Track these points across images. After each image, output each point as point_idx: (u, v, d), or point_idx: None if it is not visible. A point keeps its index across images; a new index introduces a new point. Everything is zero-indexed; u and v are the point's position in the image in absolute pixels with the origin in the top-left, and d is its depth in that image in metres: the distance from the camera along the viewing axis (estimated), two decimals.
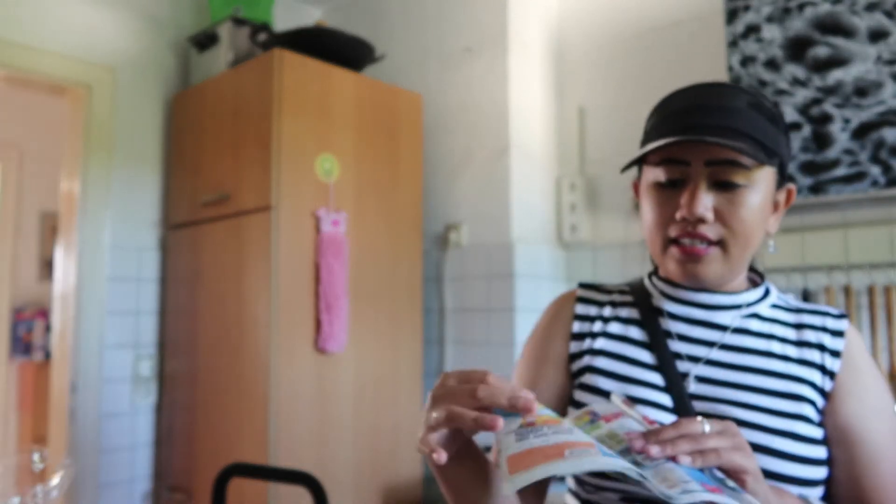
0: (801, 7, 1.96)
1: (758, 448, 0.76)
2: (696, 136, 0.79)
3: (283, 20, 2.82)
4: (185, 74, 2.65)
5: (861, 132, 1.85)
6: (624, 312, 0.92)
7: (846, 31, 1.89)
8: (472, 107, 2.43)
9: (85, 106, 2.41)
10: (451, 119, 2.50)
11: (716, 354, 0.85)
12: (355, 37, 2.34)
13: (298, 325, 2.04)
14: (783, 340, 0.85)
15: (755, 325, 0.87)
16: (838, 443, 0.79)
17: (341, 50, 2.29)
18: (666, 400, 0.82)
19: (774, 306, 0.89)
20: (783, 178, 0.87)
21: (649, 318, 0.89)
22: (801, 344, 0.85)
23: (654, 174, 0.85)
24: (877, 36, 1.84)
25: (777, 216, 0.88)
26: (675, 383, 0.83)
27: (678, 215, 0.82)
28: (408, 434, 2.32)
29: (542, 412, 0.63)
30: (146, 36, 2.59)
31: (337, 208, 2.16)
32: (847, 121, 1.87)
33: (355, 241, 2.20)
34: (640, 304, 0.91)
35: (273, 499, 1.94)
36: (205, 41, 2.46)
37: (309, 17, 3.05)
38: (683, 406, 0.81)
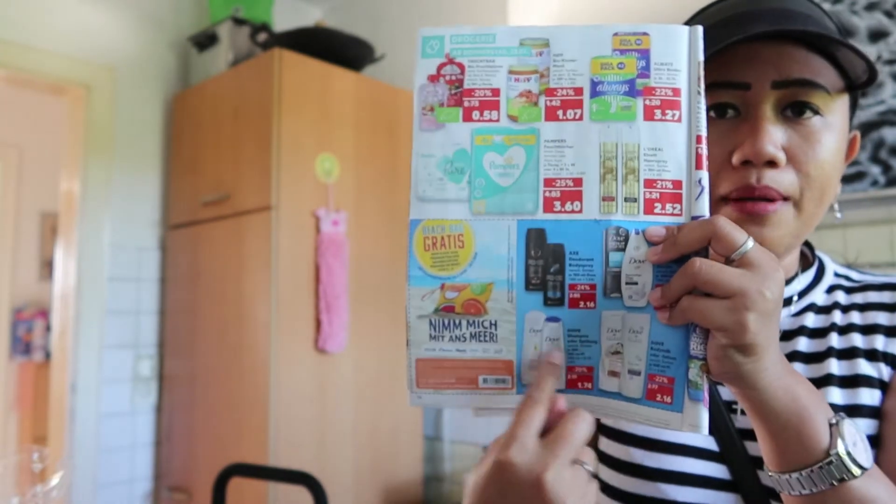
0: None
1: None
2: (770, 27, 0.57)
3: (283, 20, 2.82)
4: (185, 74, 2.65)
5: (861, 132, 1.85)
6: None
7: (846, 31, 1.89)
8: None
9: (85, 106, 2.41)
10: None
11: None
12: (355, 37, 2.34)
13: (298, 325, 2.04)
14: (845, 330, 0.66)
15: (811, 320, 0.67)
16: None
17: (341, 50, 2.29)
18: (708, 442, 0.63)
19: (831, 288, 0.70)
20: (851, 121, 0.66)
21: None
22: (868, 330, 0.65)
23: None
24: (877, 36, 1.84)
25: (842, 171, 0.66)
26: (718, 417, 0.63)
27: (737, 158, 0.59)
28: (408, 434, 2.32)
29: (467, 277, 0.49)
30: (146, 36, 2.59)
31: (337, 208, 2.16)
32: None
33: (355, 241, 2.20)
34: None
35: (273, 499, 1.94)
36: (205, 41, 2.46)
37: (309, 17, 3.05)
38: (733, 448, 0.62)
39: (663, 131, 0.47)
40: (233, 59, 2.35)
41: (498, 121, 0.50)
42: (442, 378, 0.50)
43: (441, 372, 0.50)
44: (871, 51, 1.85)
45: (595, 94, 0.48)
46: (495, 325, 0.49)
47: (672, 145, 0.47)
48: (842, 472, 0.47)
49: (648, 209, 0.47)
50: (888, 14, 1.83)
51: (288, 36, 2.24)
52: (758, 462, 0.60)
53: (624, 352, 0.48)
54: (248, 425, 2.04)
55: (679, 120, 0.47)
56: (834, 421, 0.49)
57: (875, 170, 1.82)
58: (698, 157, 0.47)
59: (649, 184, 0.47)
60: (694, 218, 0.47)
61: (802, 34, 0.58)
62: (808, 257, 0.73)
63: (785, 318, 0.67)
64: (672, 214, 0.47)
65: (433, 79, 0.50)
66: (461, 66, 0.50)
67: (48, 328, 3.94)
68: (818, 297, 0.69)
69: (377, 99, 2.34)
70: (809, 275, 0.70)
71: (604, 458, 0.68)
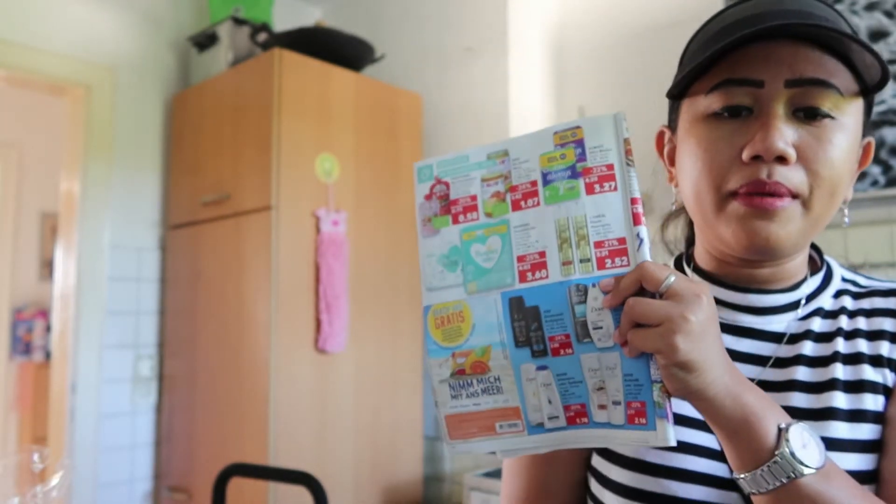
0: None
1: None
2: (782, 21, 0.59)
3: (283, 20, 2.82)
4: (185, 74, 2.65)
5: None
6: None
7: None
8: (472, 107, 2.43)
9: (85, 106, 2.41)
10: (451, 119, 2.50)
11: (769, 374, 0.66)
12: (355, 37, 2.34)
13: (298, 325, 2.04)
14: (851, 335, 0.66)
15: (817, 324, 0.67)
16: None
17: (341, 50, 2.29)
18: (710, 440, 0.64)
19: (839, 293, 0.70)
20: (866, 127, 0.66)
21: None
22: (873, 336, 0.66)
23: (706, 104, 0.63)
24: (877, 36, 1.84)
25: (854, 177, 0.67)
26: None
27: (747, 154, 0.60)
28: (408, 434, 2.32)
29: (470, 344, 0.59)
30: (146, 36, 2.59)
31: (337, 208, 2.16)
32: None
33: (355, 241, 2.20)
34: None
35: (273, 499, 1.94)
36: (205, 41, 2.46)
37: (309, 17, 3.05)
38: None
39: (603, 200, 0.56)
40: (233, 59, 2.35)
41: (478, 219, 0.61)
42: (467, 429, 0.60)
43: (465, 424, 0.60)
44: None
45: (546, 182, 0.59)
46: (499, 378, 0.59)
47: (612, 210, 0.56)
48: (788, 471, 0.52)
49: (601, 265, 0.56)
50: (888, 14, 1.83)
51: (288, 36, 2.24)
52: None
53: (606, 386, 0.56)
54: (248, 425, 2.04)
55: (615, 189, 0.56)
56: (783, 425, 0.53)
57: (875, 170, 1.82)
58: (635, 215, 0.56)
59: (598, 244, 0.56)
60: None
61: (815, 29, 0.58)
62: (816, 262, 0.73)
63: (792, 321, 0.68)
64: (621, 266, 0.56)
65: (428, 197, 0.63)
66: (447, 184, 0.62)
67: (48, 328, 3.94)
68: (826, 301, 0.69)
69: (377, 99, 2.34)
70: (817, 279, 0.70)
71: (608, 455, 0.68)
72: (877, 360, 0.64)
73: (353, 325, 2.17)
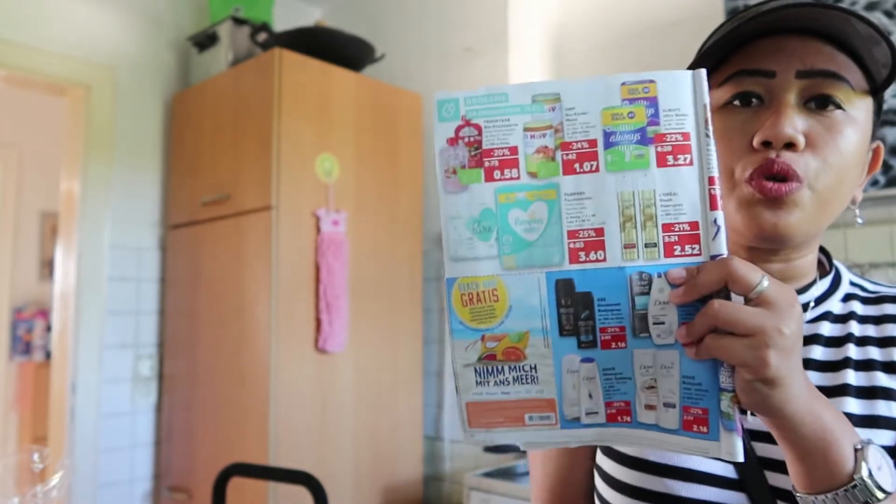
0: None
1: None
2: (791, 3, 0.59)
3: (283, 20, 2.82)
4: (185, 74, 2.65)
5: None
6: None
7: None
8: None
9: (85, 106, 2.41)
10: None
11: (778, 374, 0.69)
12: (355, 37, 2.34)
13: (298, 325, 2.04)
14: (862, 341, 0.66)
15: (827, 328, 0.67)
16: None
17: (341, 50, 2.29)
18: None
19: (848, 297, 0.70)
20: (875, 128, 0.66)
21: None
22: (885, 342, 0.65)
23: (718, 95, 0.64)
24: None
25: (864, 180, 0.67)
26: None
27: (757, 140, 0.60)
28: (408, 434, 2.32)
29: (505, 328, 0.53)
30: (146, 36, 2.59)
31: (337, 208, 2.16)
32: None
33: (355, 241, 2.20)
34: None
35: (273, 499, 1.94)
36: (205, 41, 2.46)
37: (309, 17, 3.05)
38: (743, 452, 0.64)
39: (677, 176, 0.49)
40: (233, 59, 2.35)
41: (518, 178, 0.52)
42: (491, 418, 0.54)
43: (490, 413, 0.54)
44: None
45: (609, 145, 0.50)
46: (535, 368, 0.53)
47: (686, 189, 0.49)
48: (865, 496, 0.49)
49: (668, 252, 0.49)
50: (888, 14, 1.82)
51: (288, 36, 2.24)
52: (766, 463, 0.61)
53: (658, 386, 0.51)
54: (248, 425, 2.04)
55: (691, 164, 0.49)
56: (859, 446, 0.51)
57: None
58: (712, 197, 0.49)
59: (667, 228, 0.49)
60: (713, 257, 0.49)
61: (822, 10, 0.58)
62: (825, 265, 0.73)
63: None
64: (691, 255, 0.49)
65: (452, 142, 0.52)
66: (478, 128, 0.52)
67: (48, 328, 3.94)
68: (834, 305, 0.69)
69: (377, 99, 2.34)
70: (826, 282, 0.70)
71: (611, 454, 0.69)
72: (890, 367, 0.63)
73: (353, 325, 2.17)
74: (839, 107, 0.60)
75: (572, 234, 0.51)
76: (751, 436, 0.63)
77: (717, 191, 0.49)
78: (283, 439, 1.98)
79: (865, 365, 0.64)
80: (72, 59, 2.39)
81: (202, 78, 2.47)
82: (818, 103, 0.61)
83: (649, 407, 0.52)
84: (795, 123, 0.59)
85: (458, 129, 0.52)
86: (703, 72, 0.50)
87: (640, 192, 0.50)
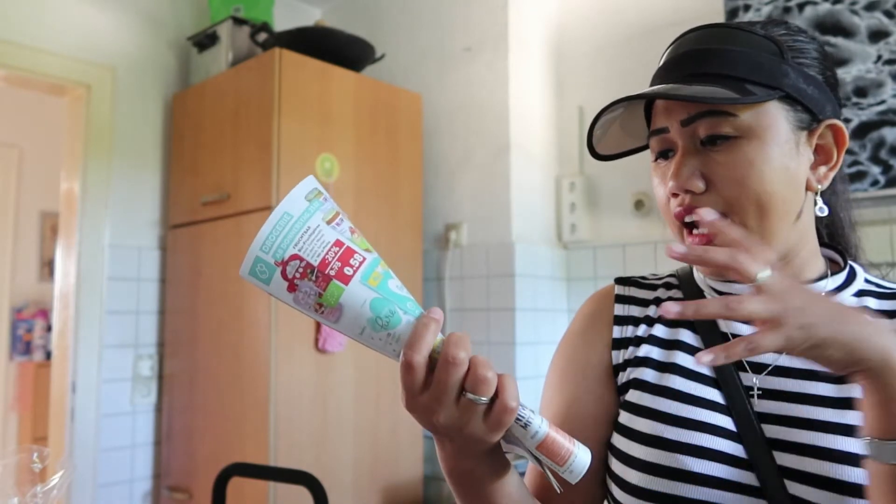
0: (801, 7, 1.96)
1: (845, 486, 0.59)
2: (662, 85, 0.67)
3: (283, 20, 2.82)
4: (185, 74, 2.65)
5: (861, 132, 1.85)
6: None
7: (846, 31, 1.89)
8: (472, 107, 2.43)
9: (85, 106, 2.41)
10: (451, 119, 2.50)
11: (786, 360, 0.67)
12: (355, 37, 2.34)
13: (298, 325, 2.04)
14: None
15: None
16: None
17: (341, 50, 2.29)
18: (727, 422, 0.66)
19: (861, 292, 0.71)
20: (811, 114, 0.67)
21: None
22: None
23: (651, 150, 0.73)
24: (877, 36, 1.84)
25: (828, 164, 0.69)
26: (737, 400, 0.66)
27: (664, 192, 0.70)
28: (408, 434, 2.32)
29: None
30: (146, 36, 2.59)
31: None
32: (847, 120, 1.87)
33: None
34: (691, 300, 0.69)
35: (273, 499, 1.94)
36: (205, 41, 2.46)
37: (309, 17, 3.05)
38: (750, 430, 0.65)
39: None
40: (233, 59, 2.35)
41: (364, 259, 0.52)
42: (560, 448, 0.58)
43: (557, 445, 0.58)
44: (870, 50, 1.85)
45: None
46: (539, 417, 0.60)
47: None
48: None
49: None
50: (888, 14, 1.82)
51: (288, 36, 2.24)
52: (774, 444, 0.64)
53: None
54: (248, 425, 2.04)
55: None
56: None
57: (875, 170, 1.82)
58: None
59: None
60: None
61: (671, 96, 0.64)
62: (839, 263, 0.75)
63: None
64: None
65: (291, 288, 0.50)
66: (296, 256, 0.51)
67: (48, 328, 3.95)
68: (847, 299, 0.71)
69: (377, 99, 2.34)
70: (839, 278, 0.72)
71: (626, 432, 0.71)
72: None
73: None
74: (728, 136, 0.65)
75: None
76: (759, 418, 0.66)
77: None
78: (282, 439, 1.98)
79: None
80: (72, 59, 2.39)
81: (202, 78, 2.47)
82: (709, 141, 0.66)
83: None
84: (688, 170, 0.66)
85: (283, 275, 0.51)
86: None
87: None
